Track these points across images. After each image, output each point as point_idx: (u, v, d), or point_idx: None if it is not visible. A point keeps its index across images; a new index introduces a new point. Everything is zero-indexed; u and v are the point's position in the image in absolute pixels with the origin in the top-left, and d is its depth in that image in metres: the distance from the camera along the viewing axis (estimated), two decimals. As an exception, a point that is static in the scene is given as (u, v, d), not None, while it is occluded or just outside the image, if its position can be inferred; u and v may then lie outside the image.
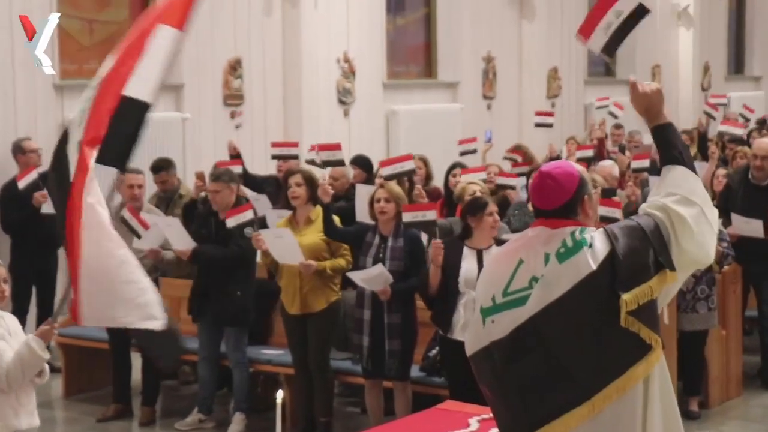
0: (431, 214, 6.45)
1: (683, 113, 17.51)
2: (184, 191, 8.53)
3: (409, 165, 7.01)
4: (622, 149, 12.22)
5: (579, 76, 16.42)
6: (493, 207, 6.16)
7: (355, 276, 6.43)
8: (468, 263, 6.07)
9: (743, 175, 8.25)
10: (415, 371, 6.72)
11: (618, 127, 13.35)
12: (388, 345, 6.41)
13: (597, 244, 3.32)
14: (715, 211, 3.51)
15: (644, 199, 8.19)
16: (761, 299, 8.11)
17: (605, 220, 6.01)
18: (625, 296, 3.26)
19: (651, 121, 3.56)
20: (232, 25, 11.38)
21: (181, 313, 7.52)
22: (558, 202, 3.42)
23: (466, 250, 6.11)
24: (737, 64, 21.53)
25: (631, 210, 8.33)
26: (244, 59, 11.47)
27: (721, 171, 9.07)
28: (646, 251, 3.34)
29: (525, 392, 3.36)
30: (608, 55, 3.97)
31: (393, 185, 6.74)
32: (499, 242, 6.08)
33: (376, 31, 12.92)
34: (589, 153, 10.34)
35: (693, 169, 3.52)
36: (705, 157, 11.40)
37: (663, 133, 3.55)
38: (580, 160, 9.96)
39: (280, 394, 3.75)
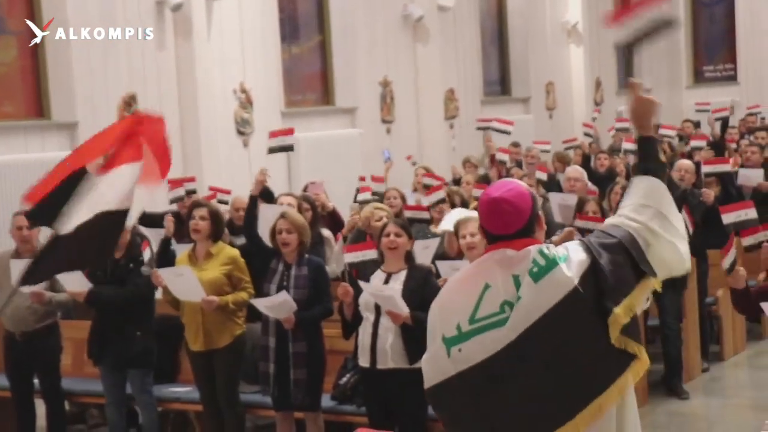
0: (371, 254, 6.29)
1: (578, 128, 17.87)
2: None
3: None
4: (519, 165, 12.43)
5: (475, 97, 16.65)
6: (390, 228, 6.07)
7: (259, 303, 6.38)
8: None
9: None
10: (327, 400, 6.69)
11: (516, 145, 13.58)
12: (293, 374, 6.34)
13: (574, 257, 3.25)
14: (681, 220, 3.50)
15: (545, 212, 8.46)
16: (662, 308, 8.29)
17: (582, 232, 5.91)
18: (617, 309, 3.19)
19: (642, 129, 3.53)
20: (126, 60, 11.26)
21: (83, 356, 7.37)
22: (518, 224, 3.34)
23: (377, 273, 6.09)
24: (627, 78, 22.09)
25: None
26: (138, 94, 11.34)
27: (620, 183, 9.25)
28: (626, 262, 3.29)
29: (505, 418, 3.25)
30: (629, 51, 3.85)
31: (294, 215, 6.71)
32: (412, 266, 6.07)
33: (272, 61, 12.92)
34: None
35: (666, 181, 3.51)
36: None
37: (648, 144, 3.53)
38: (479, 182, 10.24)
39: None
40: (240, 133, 12.34)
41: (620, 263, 3.28)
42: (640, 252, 3.33)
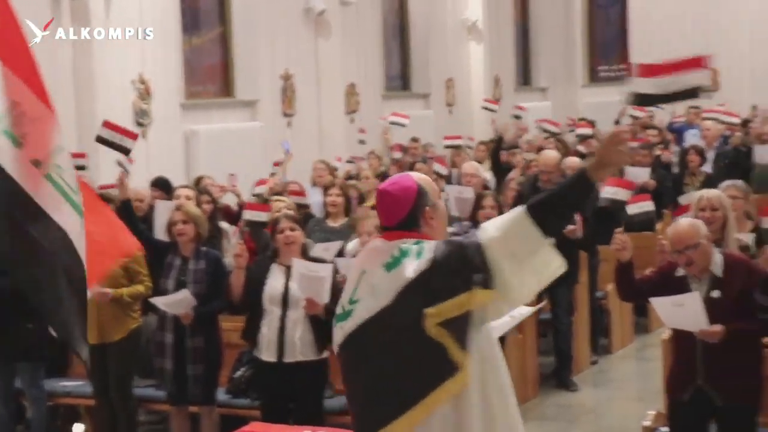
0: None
1: (477, 125, 18.12)
2: None
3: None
4: (423, 160, 12.57)
5: (376, 92, 16.73)
6: (284, 224, 6.09)
7: (158, 301, 6.34)
8: (274, 280, 6.00)
9: (533, 182, 8.57)
10: (221, 394, 6.69)
11: (415, 140, 13.72)
12: (192, 370, 6.33)
13: (424, 254, 3.38)
14: (553, 263, 3.39)
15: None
16: (554, 302, 8.47)
17: None
18: (429, 310, 3.31)
19: (593, 170, 3.32)
20: (20, 48, 11.00)
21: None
22: (397, 216, 3.50)
23: (274, 267, 6.07)
24: (525, 76, 22.48)
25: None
26: (33, 83, 11.09)
27: (513, 178, 9.43)
28: (463, 267, 3.33)
29: (364, 396, 3.48)
30: (639, 104, 3.77)
31: (190, 206, 6.68)
32: (309, 258, 6.08)
33: (172, 51, 12.77)
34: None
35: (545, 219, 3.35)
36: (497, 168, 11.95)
37: (576, 184, 3.36)
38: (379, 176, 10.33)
39: (77, 428, 3.68)
40: (138, 124, 12.18)
41: (454, 265, 3.34)
42: (482, 262, 3.31)
